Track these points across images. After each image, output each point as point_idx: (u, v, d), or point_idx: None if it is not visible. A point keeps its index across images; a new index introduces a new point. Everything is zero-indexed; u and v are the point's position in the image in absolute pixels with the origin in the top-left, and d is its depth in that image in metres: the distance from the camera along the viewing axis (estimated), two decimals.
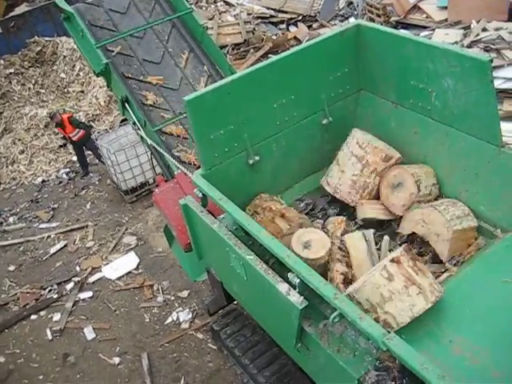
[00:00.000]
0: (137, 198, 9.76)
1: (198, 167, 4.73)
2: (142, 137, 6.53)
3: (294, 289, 3.44)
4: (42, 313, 7.76)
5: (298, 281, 3.38)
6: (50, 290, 8.09)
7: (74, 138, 10.11)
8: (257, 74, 4.50)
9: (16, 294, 8.14)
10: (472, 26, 10.44)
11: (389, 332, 2.91)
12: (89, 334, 7.26)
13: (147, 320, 7.31)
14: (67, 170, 11.05)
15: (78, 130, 10.03)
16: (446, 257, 4.09)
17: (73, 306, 7.73)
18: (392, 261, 3.40)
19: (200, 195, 4.39)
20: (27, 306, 7.89)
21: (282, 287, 3.49)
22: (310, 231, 4.22)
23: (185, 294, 7.56)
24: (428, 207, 4.26)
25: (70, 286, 8.12)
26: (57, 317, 7.62)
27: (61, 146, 11.66)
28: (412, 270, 3.39)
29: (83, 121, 11.41)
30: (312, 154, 5.15)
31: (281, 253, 3.48)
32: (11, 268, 8.67)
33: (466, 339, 3.24)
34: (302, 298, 3.40)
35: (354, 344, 3.49)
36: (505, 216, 4.11)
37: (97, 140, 10.05)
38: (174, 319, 7.22)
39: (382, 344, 2.84)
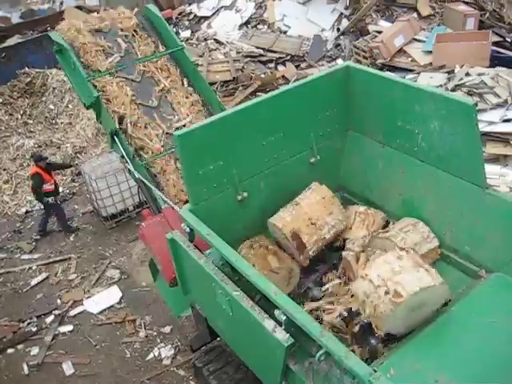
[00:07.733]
0: (117, 225, 9.73)
1: (186, 202, 4.74)
2: (129, 170, 6.54)
3: (280, 326, 3.43)
4: (20, 346, 7.53)
5: (284, 318, 3.37)
6: (29, 323, 7.88)
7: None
8: (247, 112, 4.57)
9: None
10: (456, 71, 10.72)
11: (375, 371, 2.90)
12: (67, 369, 7.06)
13: (128, 355, 7.16)
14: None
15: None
16: None
17: (52, 340, 7.53)
18: (402, 249, 3.72)
19: (187, 230, 4.40)
20: (4, 339, 7.65)
21: (268, 324, 3.48)
22: None
23: (167, 329, 7.44)
24: (384, 239, 4.50)
25: (50, 319, 7.93)
26: (35, 351, 7.41)
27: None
28: (421, 260, 3.68)
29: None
30: (299, 191, 5.19)
31: (268, 290, 3.48)
32: None
33: (452, 380, 3.23)
34: (288, 335, 3.38)
35: (339, 383, 3.46)
36: (489, 256, 4.16)
37: (80, 165, 9.89)
38: (156, 355, 7.08)
39: (368, 383, 2.82)
